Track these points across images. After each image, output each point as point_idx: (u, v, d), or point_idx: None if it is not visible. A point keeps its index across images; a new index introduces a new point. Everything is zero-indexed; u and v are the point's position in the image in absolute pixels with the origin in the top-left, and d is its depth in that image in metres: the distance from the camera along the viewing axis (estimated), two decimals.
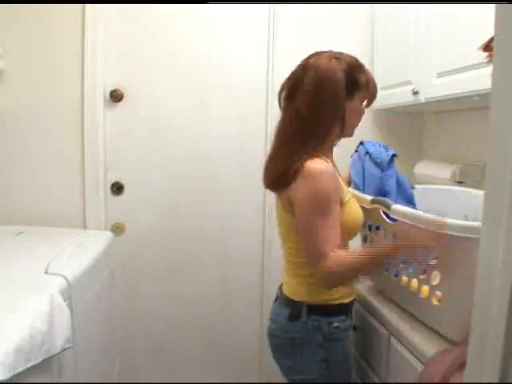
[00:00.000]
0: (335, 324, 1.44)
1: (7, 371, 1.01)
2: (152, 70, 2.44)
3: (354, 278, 1.42)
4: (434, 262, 1.27)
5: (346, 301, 1.48)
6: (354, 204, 1.46)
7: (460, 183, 2.00)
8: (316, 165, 1.34)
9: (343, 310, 1.47)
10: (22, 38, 2.30)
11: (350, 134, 1.51)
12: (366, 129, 2.54)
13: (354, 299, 1.55)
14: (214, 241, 2.55)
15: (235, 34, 2.48)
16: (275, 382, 2.63)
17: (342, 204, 1.38)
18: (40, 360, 1.19)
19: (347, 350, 1.49)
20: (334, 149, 1.53)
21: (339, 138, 1.50)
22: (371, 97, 1.53)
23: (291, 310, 1.48)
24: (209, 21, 2.45)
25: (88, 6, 2.30)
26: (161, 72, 2.44)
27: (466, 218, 1.55)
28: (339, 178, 1.43)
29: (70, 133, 2.38)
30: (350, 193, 1.49)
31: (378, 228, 1.57)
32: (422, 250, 1.29)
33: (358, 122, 1.51)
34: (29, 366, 1.13)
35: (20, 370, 1.08)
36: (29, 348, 1.14)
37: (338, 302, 1.45)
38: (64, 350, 1.33)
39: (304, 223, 1.36)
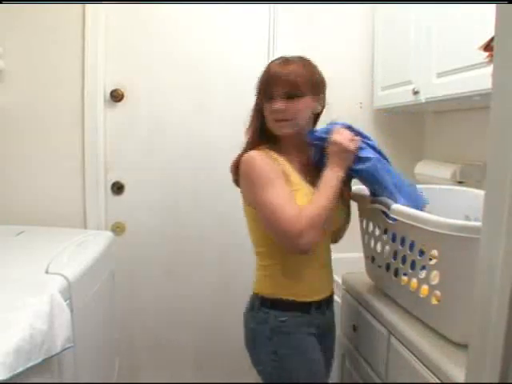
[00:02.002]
0: (282, 318, 1.47)
1: (7, 371, 1.01)
2: (152, 69, 2.44)
3: (326, 218, 1.38)
4: (433, 261, 1.27)
5: (308, 299, 1.50)
6: (302, 196, 1.44)
7: (460, 183, 2.00)
8: (247, 154, 1.46)
9: (298, 306, 1.49)
10: (22, 37, 2.30)
11: (274, 131, 1.52)
12: (366, 129, 2.54)
13: (328, 298, 1.57)
14: (214, 240, 2.55)
15: (235, 33, 2.48)
16: None
17: None
18: (40, 360, 1.19)
19: (302, 346, 1.48)
20: None
21: (279, 133, 1.52)
22: (263, 93, 1.51)
23: (250, 301, 1.57)
24: (209, 21, 2.45)
25: (88, 5, 2.31)
26: (161, 72, 2.44)
27: (467, 218, 1.55)
28: (286, 167, 1.48)
29: (71, 132, 2.38)
30: (304, 188, 1.48)
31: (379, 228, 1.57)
32: (348, 154, 1.42)
33: (272, 119, 1.50)
34: (29, 365, 1.13)
35: (20, 369, 1.08)
36: (29, 348, 1.14)
37: (291, 298, 1.48)
38: (64, 349, 1.33)
39: (257, 206, 1.43)
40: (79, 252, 1.85)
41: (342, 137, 1.43)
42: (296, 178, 1.48)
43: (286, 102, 1.46)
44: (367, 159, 1.43)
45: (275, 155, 1.50)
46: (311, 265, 1.50)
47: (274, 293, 1.50)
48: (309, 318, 1.50)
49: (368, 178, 1.48)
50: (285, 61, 1.50)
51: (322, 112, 1.59)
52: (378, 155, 1.47)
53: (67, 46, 2.34)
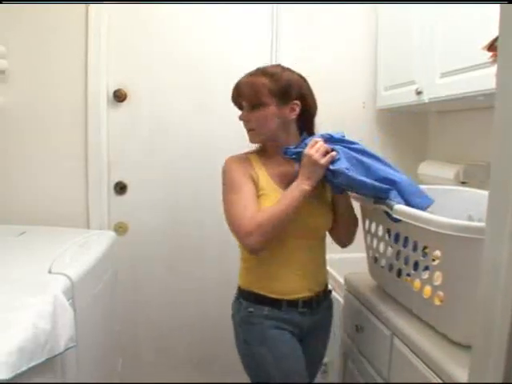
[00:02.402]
0: (250, 309, 1.55)
1: (10, 370, 1.01)
2: (155, 70, 2.44)
3: (278, 225, 1.44)
4: (436, 262, 1.27)
5: (279, 297, 1.53)
6: (266, 201, 1.50)
7: (464, 183, 2.00)
8: (226, 158, 1.60)
9: (268, 301, 1.53)
10: (26, 37, 2.30)
11: (250, 140, 1.61)
12: (369, 129, 2.56)
13: (309, 299, 1.57)
14: (216, 239, 2.54)
15: (237, 33, 2.48)
16: None
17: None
18: (43, 359, 1.20)
19: (268, 337, 1.52)
20: None
21: (250, 142, 1.63)
22: (234, 104, 1.62)
23: (236, 291, 1.66)
24: (210, 21, 2.45)
25: (91, 6, 2.31)
26: (163, 72, 2.44)
27: (470, 219, 1.55)
28: (260, 171, 1.56)
29: (73, 132, 2.38)
30: (271, 193, 1.53)
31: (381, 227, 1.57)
32: (317, 167, 1.42)
33: (246, 128, 1.59)
34: (32, 365, 1.13)
35: (23, 369, 1.08)
36: (32, 347, 1.14)
37: (262, 292, 1.54)
38: (67, 349, 1.34)
39: (223, 205, 1.54)
40: (82, 252, 1.85)
41: (313, 150, 1.44)
42: (267, 182, 1.55)
43: (248, 113, 1.55)
44: (339, 173, 1.42)
45: (256, 159, 1.60)
46: (285, 265, 1.55)
47: (249, 286, 1.59)
48: (279, 314, 1.54)
49: (349, 188, 1.51)
50: (252, 71, 1.57)
51: (308, 114, 1.60)
52: (349, 164, 1.43)
53: (70, 46, 2.34)
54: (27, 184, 2.39)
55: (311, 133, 1.60)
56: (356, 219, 1.67)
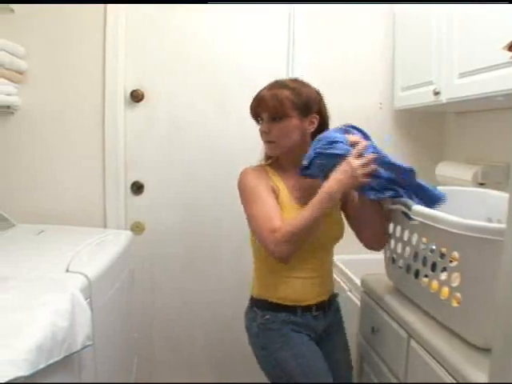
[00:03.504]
0: (267, 316, 1.58)
1: (29, 367, 1.03)
2: (172, 70, 2.45)
3: (309, 233, 1.46)
4: (454, 263, 1.26)
5: (292, 303, 1.58)
6: (284, 214, 1.52)
7: (481, 184, 1.98)
8: (243, 169, 1.64)
9: (283, 308, 1.57)
10: (44, 38, 2.33)
11: (268, 152, 1.66)
12: (386, 130, 2.54)
13: (320, 304, 1.62)
14: (233, 239, 2.54)
15: (255, 34, 2.49)
16: None
17: None
18: (61, 357, 1.21)
19: (287, 339, 1.55)
20: None
21: (268, 154, 1.68)
22: (253, 115, 1.64)
23: (248, 302, 1.70)
24: (228, 21, 2.47)
25: (109, 6, 2.33)
26: (180, 73, 2.46)
27: (489, 220, 1.54)
28: (278, 183, 1.60)
29: (91, 133, 2.40)
30: (288, 207, 1.56)
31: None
32: (354, 180, 1.39)
33: (263, 140, 1.62)
34: (50, 362, 1.14)
35: (42, 366, 1.09)
36: (50, 345, 1.15)
37: (275, 300, 1.58)
38: (84, 347, 1.35)
39: (247, 217, 1.57)
40: (99, 251, 1.87)
41: (357, 162, 1.40)
42: (284, 196, 1.58)
43: (269, 125, 1.56)
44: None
45: (272, 171, 1.64)
46: (298, 273, 1.58)
47: (263, 294, 1.63)
48: (295, 319, 1.57)
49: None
50: (272, 84, 1.60)
51: (323, 128, 1.61)
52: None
53: (88, 47, 2.36)
54: (45, 184, 2.41)
55: None
56: (381, 220, 1.62)
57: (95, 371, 1.56)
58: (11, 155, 2.40)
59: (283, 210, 1.54)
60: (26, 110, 2.36)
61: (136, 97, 2.41)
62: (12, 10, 2.24)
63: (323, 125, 1.62)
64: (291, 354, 1.55)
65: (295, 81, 1.63)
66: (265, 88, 1.60)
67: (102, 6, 2.33)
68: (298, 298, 1.58)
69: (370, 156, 1.41)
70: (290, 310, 1.57)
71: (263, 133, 1.59)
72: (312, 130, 1.59)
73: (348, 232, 2.55)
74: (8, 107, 2.27)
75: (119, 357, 2.00)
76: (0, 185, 2.38)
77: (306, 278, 1.59)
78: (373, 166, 1.41)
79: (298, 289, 1.59)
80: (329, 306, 1.66)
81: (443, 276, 1.30)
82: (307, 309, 1.59)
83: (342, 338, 1.74)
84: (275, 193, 1.57)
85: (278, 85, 1.59)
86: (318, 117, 1.59)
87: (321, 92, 1.64)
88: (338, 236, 1.67)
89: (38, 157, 2.40)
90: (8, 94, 2.21)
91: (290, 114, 1.54)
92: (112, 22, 2.35)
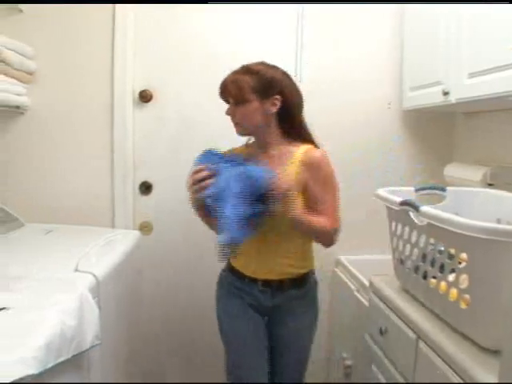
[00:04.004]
0: (224, 273, 1.86)
1: (39, 365, 1.03)
2: (180, 70, 2.45)
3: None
4: (463, 264, 1.25)
5: (242, 271, 1.76)
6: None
7: (491, 185, 1.97)
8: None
9: (236, 272, 1.78)
10: (53, 39, 2.34)
11: (236, 133, 1.75)
12: (395, 130, 2.53)
13: (268, 283, 1.73)
14: None
15: (264, 33, 2.47)
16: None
17: None
18: (70, 356, 1.21)
19: (230, 300, 1.80)
20: None
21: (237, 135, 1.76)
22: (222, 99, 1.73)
23: None
24: (238, 21, 2.46)
25: (118, 6, 2.34)
26: (189, 73, 2.46)
27: (498, 222, 1.52)
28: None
29: (100, 133, 2.41)
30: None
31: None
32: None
33: (232, 121, 1.72)
34: (59, 361, 1.15)
35: (50, 365, 1.10)
36: (59, 344, 1.16)
37: (232, 263, 1.80)
38: (93, 346, 1.35)
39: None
40: (107, 251, 1.87)
41: (191, 179, 1.70)
42: None
43: (233, 108, 1.68)
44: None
45: (242, 150, 1.80)
46: (248, 248, 1.66)
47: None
48: (241, 286, 1.76)
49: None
50: (237, 69, 1.68)
51: (289, 108, 1.67)
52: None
53: (97, 47, 2.37)
54: (54, 183, 2.42)
55: (296, 130, 1.71)
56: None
57: (103, 370, 1.56)
58: (20, 155, 2.41)
59: None
60: (35, 110, 2.37)
61: (144, 97, 2.42)
62: (21, 11, 2.26)
63: (289, 107, 1.67)
64: (226, 310, 1.81)
65: (259, 64, 1.68)
66: (230, 73, 1.69)
67: (110, 6, 2.34)
68: (244, 268, 1.75)
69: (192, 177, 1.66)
70: (240, 275, 1.76)
71: (229, 115, 1.70)
72: (274, 110, 1.65)
73: (354, 233, 2.56)
74: (18, 107, 2.29)
75: (127, 357, 2.00)
76: (9, 184, 2.40)
77: (253, 254, 1.71)
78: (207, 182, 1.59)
79: (246, 260, 1.74)
80: (279, 287, 1.73)
81: (451, 277, 1.30)
82: (254, 281, 1.73)
83: (297, 329, 1.80)
84: None
85: (241, 70, 1.67)
86: (280, 98, 1.64)
87: (289, 74, 1.71)
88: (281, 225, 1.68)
89: (47, 157, 2.42)
90: (18, 95, 2.23)
91: (249, 99, 1.63)
92: (120, 22, 2.36)
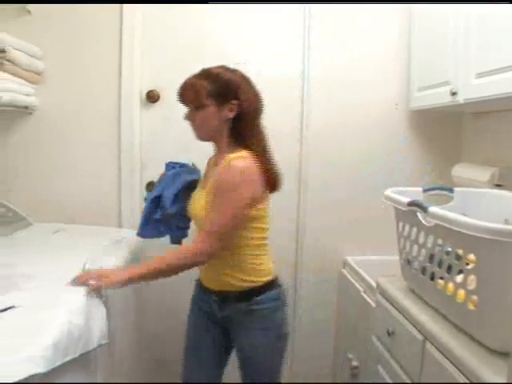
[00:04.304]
0: (194, 282, 1.86)
1: (47, 364, 1.04)
2: (187, 70, 2.42)
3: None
4: (470, 265, 1.25)
5: (201, 281, 1.80)
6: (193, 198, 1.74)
7: (498, 186, 1.95)
8: None
9: (198, 281, 1.83)
10: (61, 39, 2.36)
11: (196, 138, 1.72)
12: (402, 130, 2.53)
13: (214, 292, 1.73)
14: None
15: (271, 33, 2.48)
16: (306, 381, 2.63)
17: None
18: (77, 355, 1.22)
19: (191, 308, 1.88)
20: None
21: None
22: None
23: None
24: (244, 21, 2.47)
25: (125, 7, 2.35)
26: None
27: (506, 222, 1.52)
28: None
29: (107, 133, 2.42)
30: (199, 189, 1.75)
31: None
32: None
33: (191, 127, 1.69)
34: (66, 359, 1.15)
35: (58, 363, 1.10)
36: (67, 343, 1.16)
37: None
38: (100, 345, 1.36)
39: None
40: (114, 251, 1.88)
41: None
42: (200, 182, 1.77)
43: (191, 113, 1.65)
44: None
45: (211, 159, 1.80)
46: None
47: None
48: (200, 294, 1.81)
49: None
50: (195, 74, 1.65)
51: (247, 113, 1.61)
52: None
53: (104, 47, 2.38)
54: (61, 183, 2.44)
55: (248, 136, 1.63)
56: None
57: (111, 370, 1.57)
58: (29, 154, 2.43)
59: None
60: (44, 110, 2.39)
61: (152, 97, 2.42)
62: (29, 12, 2.27)
63: (247, 111, 1.61)
64: (189, 316, 1.87)
65: (219, 67, 1.65)
66: (190, 77, 1.66)
67: (118, 6, 2.35)
68: (200, 276, 1.80)
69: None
70: (201, 283, 1.78)
71: (187, 121, 1.67)
72: (231, 116, 1.60)
73: (361, 234, 2.55)
74: (26, 107, 2.30)
75: (134, 356, 2.01)
76: (17, 183, 2.41)
77: (206, 264, 1.69)
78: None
79: (202, 269, 1.77)
80: (225, 299, 1.70)
81: (459, 278, 1.29)
82: (206, 290, 1.75)
83: (249, 344, 1.72)
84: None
85: (200, 73, 1.64)
86: (237, 103, 1.59)
87: (249, 78, 1.67)
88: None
89: (55, 156, 2.43)
90: (26, 95, 2.24)
91: (205, 103, 1.59)
92: (128, 22, 2.37)
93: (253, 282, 1.66)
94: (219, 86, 1.59)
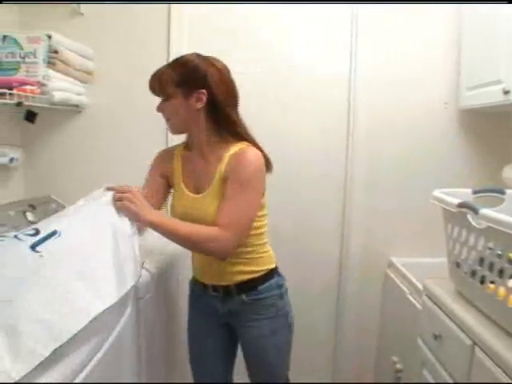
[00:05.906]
0: (191, 277, 1.79)
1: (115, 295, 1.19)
2: (235, 71, 2.46)
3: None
4: None
5: (197, 277, 1.73)
6: (174, 199, 1.67)
7: None
8: None
9: (194, 277, 1.76)
10: (111, 39, 2.41)
11: (169, 131, 1.65)
12: (451, 130, 2.48)
13: (217, 286, 1.66)
14: (289, 240, 2.53)
15: (318, 33, 2.47)
16: (349, 381, 2.61)
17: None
18: (128, 288, 1.29)
19: (190, 305, 1.80)
20: None
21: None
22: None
23: None
24: (290, 22, 2.46)
25: (173, 7, 2.39)
26: (244, 74, 2.46)
27: None
28: (175, 165, 1.67)
29: (155, 134, 2.42)
30: (177, 191, 1.65)
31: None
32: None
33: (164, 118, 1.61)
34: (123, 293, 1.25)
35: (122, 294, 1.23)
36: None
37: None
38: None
39: None
40: (160, 248, 1.90)
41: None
42: (176, 178, 1.66)
43: (162, 104, 1.57)
44: None
45: (180, 151, 1.69)
46: (197, 254, 1.67)
47: None
48: (198, 290, 1.73)
49: None
50: (168, 63, 1.57)
51: (218, 103, 1.52)
52: None
53: (153, 47, 2.42)
54: (109, 181, 2.46)
55: (229, 127, 1.56)
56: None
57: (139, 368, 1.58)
58: (77, 152, 2.49)
59: (174, 193, 1.67)
60: (93, 108, 2.45)
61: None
62: (81, 14, 2.34)
63: (217, 100, 1.52)
64: (189, 312, 1.79)
65: (189, 55, 1.55)
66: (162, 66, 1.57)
67: (165, 6, 2.38)
68: (196, 274, 1.73)
69: None
70: (197, 281, 1.72)
71: (159, 112, 1.59)
72: (200, 106, 1.50)
73: (407, 235, 2.51)
74: (77, 106, 2.37)
75: (166, 349, 1.99)
76: (64, 181, 2.48)
77: (200, 259, 1.67)
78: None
79: (195, 266, 1.72)
80: (227, 292, 1.64)
81: (511, 283, 1.26)
82: (205, 286, 1.68)
83: (254, 337, 1.68)
84: (165, 176, 1.69)
85: (169, 63, 1.57)
86: (205, 92, 1.49)
87: (221, 66, 1.57)
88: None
89: (102, 155, 2.49)
90: (77, 94, 2.31)
91: (172, 93, 1.51)
92: (175, 22, 2.40)
93: (257, 271, 1.64)
94: (185, 75, 1.50)
